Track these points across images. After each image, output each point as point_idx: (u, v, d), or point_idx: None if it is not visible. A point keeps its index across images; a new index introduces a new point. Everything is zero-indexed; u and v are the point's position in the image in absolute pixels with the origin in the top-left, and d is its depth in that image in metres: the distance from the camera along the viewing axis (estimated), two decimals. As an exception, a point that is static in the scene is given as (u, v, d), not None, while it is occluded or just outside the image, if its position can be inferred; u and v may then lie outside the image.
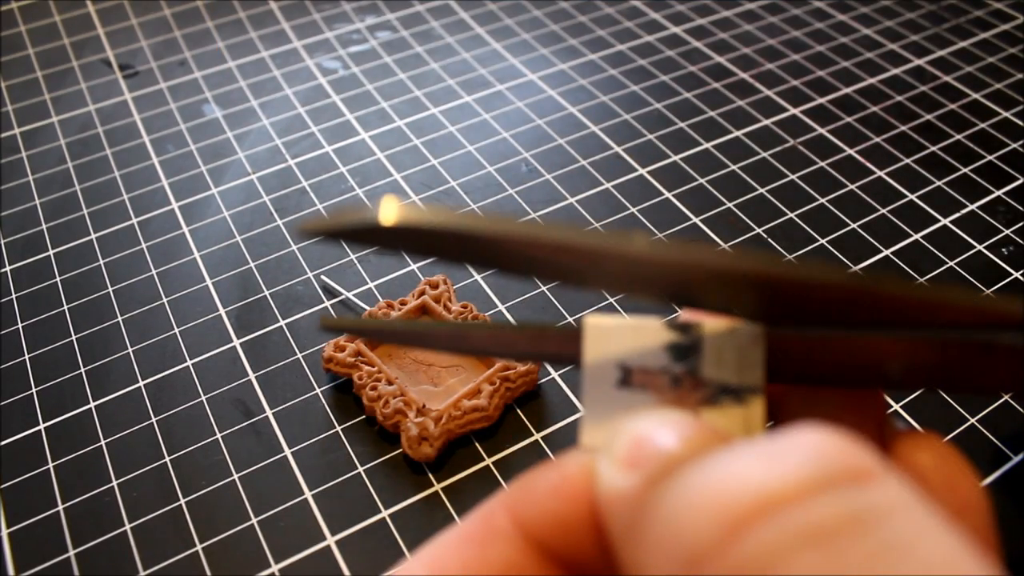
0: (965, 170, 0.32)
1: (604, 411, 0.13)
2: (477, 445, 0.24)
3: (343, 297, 0.28)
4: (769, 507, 0.10)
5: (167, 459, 0.24)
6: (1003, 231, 0.30)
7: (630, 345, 0.13)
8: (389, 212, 0.11)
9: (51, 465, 0.24)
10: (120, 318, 0.28)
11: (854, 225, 0.30)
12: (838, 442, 0.10)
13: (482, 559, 0.12)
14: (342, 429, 0.25)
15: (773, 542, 0.09)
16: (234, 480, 0.23)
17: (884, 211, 0.31)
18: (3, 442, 0.25)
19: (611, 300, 0.28)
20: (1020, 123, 0.34)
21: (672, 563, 0.10)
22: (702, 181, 0.32)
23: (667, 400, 0.13)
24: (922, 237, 0.30)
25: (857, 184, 0.32)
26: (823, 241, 0.30)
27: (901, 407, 0.25)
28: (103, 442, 0.24)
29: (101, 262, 0.30)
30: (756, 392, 0.13)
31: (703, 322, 0.14)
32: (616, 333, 0.13)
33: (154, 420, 0.25)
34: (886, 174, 0.32)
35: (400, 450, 0.24)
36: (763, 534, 0.09)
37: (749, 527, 0.10)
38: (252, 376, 0.26)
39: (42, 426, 0.25)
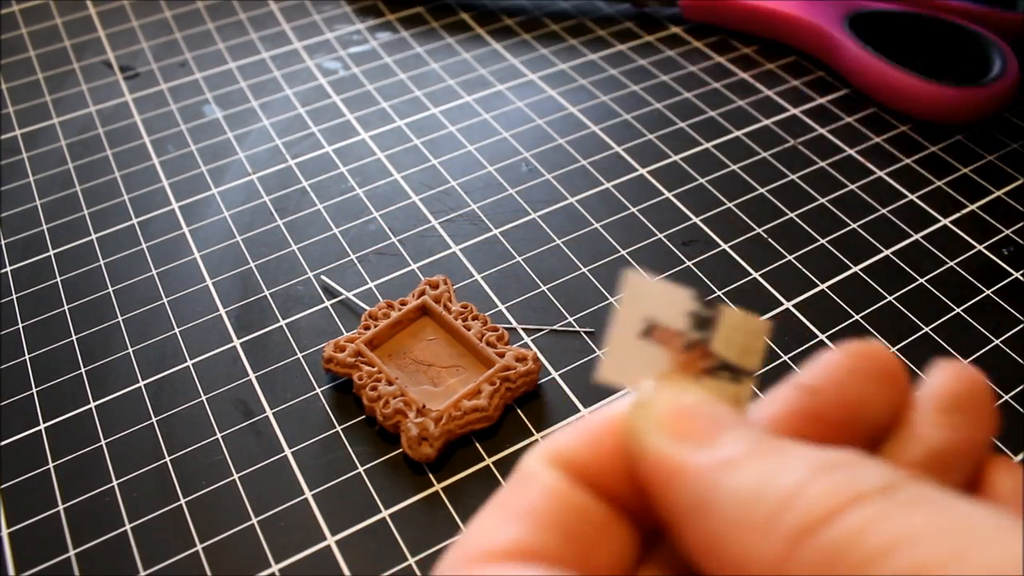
0: (965, 170, 0.32)
1: (623, 355, 0.15)
2: (477, 445, 0.24)
3: (343, 297, 0.28)
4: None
5: (167, 459, 0.24)
6: (1003, 231, 0.30)
7: (659, 305, 0.15)
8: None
9: (51, 465, 0.24)
10: (120, 318, 0.28)
11: (854, 225, 0.30)
12: None
13: (531, 496, 0.13)
14: (342, 429, 0.25)
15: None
16: (234, 480, 0.23)
17: (884, 211, 0.31)
18: (3, 442, 0.25)
19: (612, 300, 0.28)
20: (1020, 123, 0.34)
21: (774, 537, 0.11)
22: (702, 181, 0.32)
23: (677, 360, 0.15)
24: (922, 237, 0.30)
25: (857, 184, 0.32)
26: (823, 241, 0.30)
27: (901, 407, 0.25)
28: (103, 442, 0.24)
29: (101, 262, 0.30)
30: (750, 376, 0.15)
31: (725, 306, 0.15)
32: (651, 291, 0.15)
33: (154, 420, 0.25)
34: (886, 174, 0.32)
35: (400, 450, 0.24)
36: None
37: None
38: (252, 376, 0.26)
39: (42, 426, 0.25)
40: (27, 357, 0.27)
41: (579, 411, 0.25)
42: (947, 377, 0.14)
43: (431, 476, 0.23)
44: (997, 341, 0.26)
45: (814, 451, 0.12)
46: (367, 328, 0.26)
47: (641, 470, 0.13)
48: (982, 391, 0.14)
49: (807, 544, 0.11)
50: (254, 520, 0.23)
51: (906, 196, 0.31)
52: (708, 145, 0.34)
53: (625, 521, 0.14)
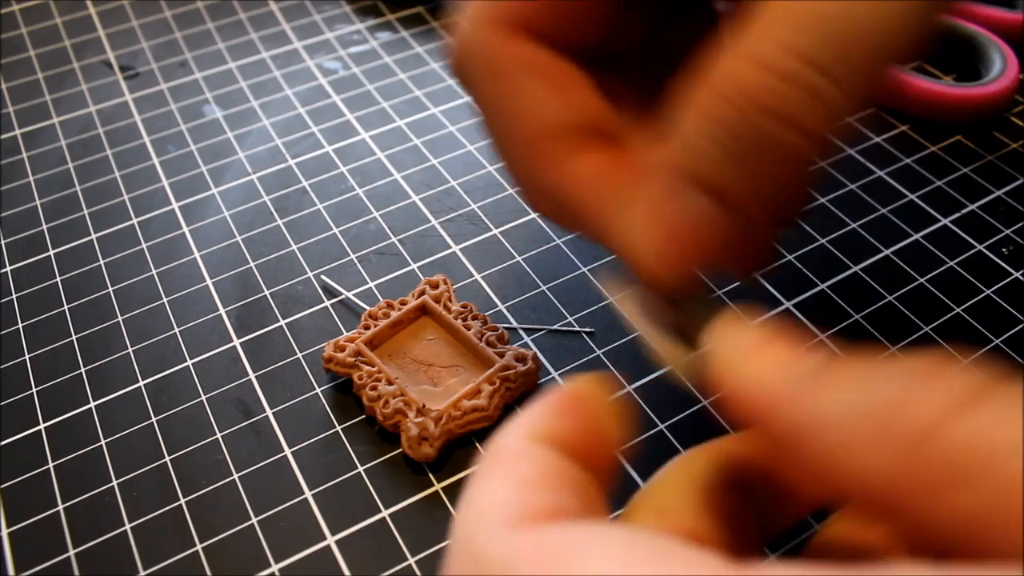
0: (965, 170, 0.32)
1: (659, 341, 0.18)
2: (477, 445, 0.24)
3: (343, 297, 0.28)
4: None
5: (167, 459, 0.24)
6: (1003, 231, 0.30)
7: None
8: None
9: (51, 465, 0.24)
10: (120, 318, 0.28)
11: (854, 225, 0.30)
12: None
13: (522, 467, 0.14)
14: (342, 429, 0.25)
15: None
16: (234, 480, 0.23)
17: (884, 211, 0.31)
18: (3, 442, 0.25)
19: (612, 301, 0.28)
20: (1020, 123, 0.34)
21: (888, 450, 0.11)
22: (702, 181, 0.32)
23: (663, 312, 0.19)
24: (922, 237, 0.30)
25: (857, 184, 0.32)
26: (823, 241, 0.30)
27: (901, 407, 0.24)
28: (103, 442, 0.24)
29: (101, 262, 0.30)
30: (699, 346, 0.18)
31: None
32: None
33: (154, 420, 0.25)
34: (886, 174, 0.32)
35: (400, 450, 0.24)
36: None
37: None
38: (252, 376, 0.26)
39: (42, 426, 0.25)
40: (27, 357, 0.27)
41: (579, 411, 0.25)
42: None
43: (431, 476, 0.23)
44: (997, 341, 0.26)
45: (901, 363, 0.12)
46: (367, 328, 0.26)
47: (744, 405, 0.14)
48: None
49: (920, 454, 0.11)
50: (254, 520, 0.23)
51: (906, 196, 0.31)
52: (708, 145, 0.34)
53: (602, 487, 0.15)
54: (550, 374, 0.26)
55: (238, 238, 0.31)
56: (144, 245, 0.30)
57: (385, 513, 0.23)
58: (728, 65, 0.16)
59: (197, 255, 0.30)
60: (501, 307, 0.28)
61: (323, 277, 0.29)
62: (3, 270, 0.30)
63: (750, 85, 0.15)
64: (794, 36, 0.15)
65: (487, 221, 0.31)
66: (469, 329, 0.26)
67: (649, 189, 0.17)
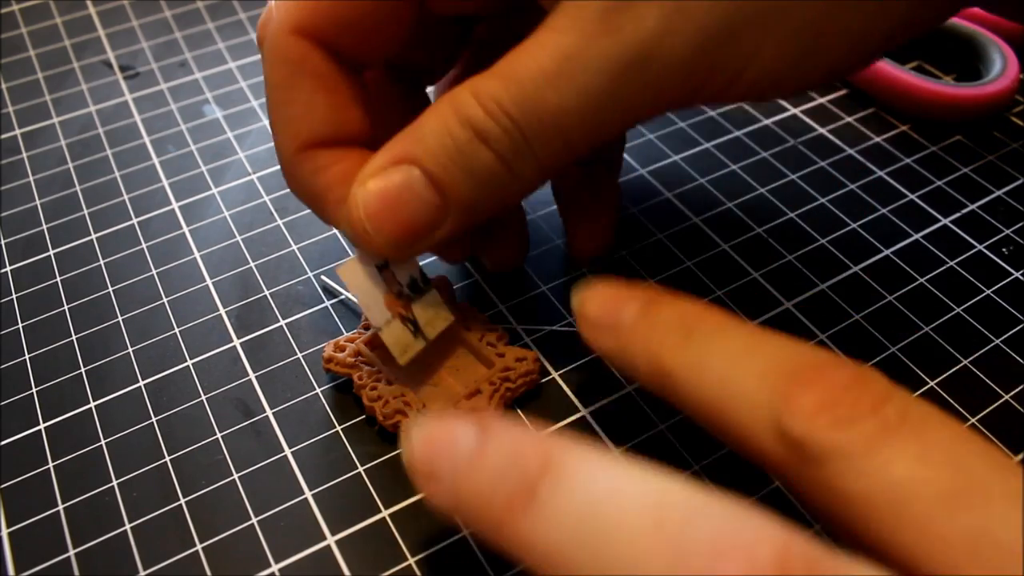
0: (965, 170, 0.32)
1: (359, 269, 0.23)
2: (477, 445, 0.24)
3: (343, 297, 0.28)
4: None
5: (167, 459, 0.24)
6: (1003, 231, 0.30)
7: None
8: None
9: (51, 465, 0.24)
10: (120, 318, 0.28)
11: (854, 225, 0.30)
12: None
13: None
14: (342, 429, 0.25)
15: None
16: (234, 480, 0.23)
17: (884, 211, 0.31)
18: (3, 442, 0.25)
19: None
20: (1020, 123, 0.34)
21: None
22: (702, 181, 0.32)
23: (387, 295, 0.23)
24: (922, 237, 0.30)
25: (857, 184, 0.32)
26: (823, 241, 0.30)
27: (901, 407, 0.25)
28: (103, 442, 0.24)
29: (101, 262, 0.30)
30: (428, 339, 0.24)
31: (434, 288, 0.24)
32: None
33: (154, 420, 0.25)
34: (886, 174, 0.32)
35: (400, 450, 0.24)
36: None
37: None
38: (252, 376, 0.26)
39: (42, 426, 0.25)
40: (27, 357, 0.27)
41: (579, 411, 0.25)
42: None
43: (431, 476, 0.23)
44: (997, 341, 0.26)
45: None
46: (367, 328, 0.26)
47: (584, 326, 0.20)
48: None
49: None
50: (254, 520, 0.23)
51: (906, 196, 0.31)
52: (708, 145, 0.34)
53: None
54: (550, 374, 0.26)
55: (238, 238, 0.31)
56: (144, 245, 0.30)
57: (385, 513, 0.23)
58: (461, 92, 0.19)
59: (197, 255, 0.30)
60: (501, 307, 0.28)
61: (323, 277, 0.29)
62: (3, 270, 0.30)
63: (470, 113, 0.19)
64: (503, 88, 0.19)
65: (487, 221, 0.31)
66: (469, 329, 0.26)
67: (379, 160, 0.20)
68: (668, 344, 0.18)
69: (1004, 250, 0.29)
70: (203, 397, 0.26)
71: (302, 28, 0.21)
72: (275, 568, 0.22)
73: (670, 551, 0.13)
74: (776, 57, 0.18)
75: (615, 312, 0.20)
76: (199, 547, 0.22)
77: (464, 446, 0.17)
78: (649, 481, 0.15)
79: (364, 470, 0.24)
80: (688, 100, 0.19)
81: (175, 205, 0.32)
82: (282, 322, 0.28)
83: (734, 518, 0.14)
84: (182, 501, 0.23)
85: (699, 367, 0.17)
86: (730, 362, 0.17)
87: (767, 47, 0.18)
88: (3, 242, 0.31)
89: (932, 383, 0.25)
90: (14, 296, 0.29)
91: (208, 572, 0.22)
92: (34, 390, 0.26)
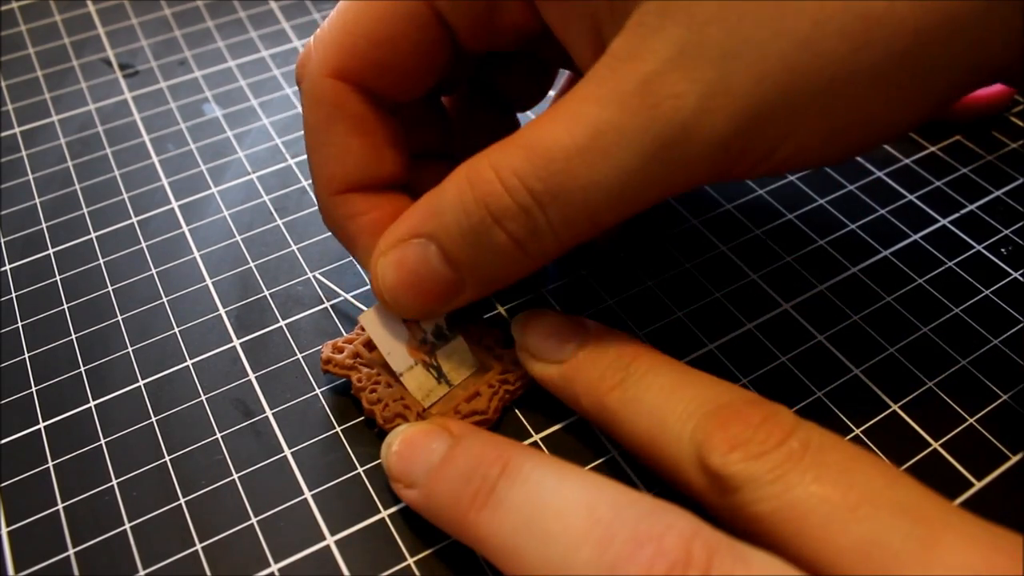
0: (964, 170, 0.32)
1: (385, 318, 0.23)
2: (476, 445, 0.24)
3: (342, 298, 0.28)
4: None
5: (167, 459, 0.24)
6: (1002, 231, 0.30)
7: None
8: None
9: (51, 464, 0.24)
10: (120, 317, 0.28)
11: (853, 226, 0.30)
12: None
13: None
14: (342, 430, 0.25)
15: None
16: (234, 480, 0.23)
17: (883, 211, 0.31)
18: (2, 441, 0.25)
19: (611, 303, 0.28)
20: (1020, 123, 0.34)
21: None
22: (701, 181, 0.32)
23: (410, 343, 0.24)
24: (921, 238, 0.30)
25: (856, 185, 0.32)
26: (822, 242, 0.30)
27: (900, 407, 0.25)
28: (103, 441, 0.25)
29: (101, 261, 0.30)
30: (451, 385, 0.24)
31: (462, 336, 0.24)
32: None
33: (154, 420, 0.25)
34: (885, 174, 0.32)
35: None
36: None
37: None
38: (252, 376, 0.26)
39: (42, 425, 0.25)
40: (26, 356, 0.27)
41: (576, 413, 0.25)
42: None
43: (430, 476, 0.23)
44: (996, 341, 0.26)
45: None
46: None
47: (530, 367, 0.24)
48: None
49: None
50: (254, 520, 0.23)
51: (905, 196, 0.31)
52: (708, 145, 0.34)
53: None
54: (549, 374, 0.26)
55: (238, 238, 0.31)
56: (144, 244, 0.30)
57: (384, 514, 0.23)
58: (480, 163, 0.19)
59: (197, 255, 0.30)
60: (500, 309, 0.28)
61: (323, 279, 0.29)
62: (2, 268, 0.30)
63: (487, 190, 0.19)
64: (527, 160, 0.18)
65: (487, 221, 0.31)
66: (468, 332, 0.26)
67: (398, 231, 0.21)
68: (607, 382, 0.20)
69: (1003, 250, 0.29)
70: (203, 397, 0.26)
71: (340, 71, 0.21)
72: (275, 568, 0.22)
73: (598, 539, 0.16)
74: (807, 139, 0.18)
75: (558, 348, 0.22)
76: (199, 547, 0.22)
77: (436, 453, 0.20)
78: (588, 481, 0.18)
79: (364, 471, 0.24)
80: (717, 178, 0.19)
81: (175, 204, 0.32)
82: (282, 322, 0.28)
83: (653, 512, 0.17)
84: (182, 501, 0.23)
85: (634, 404, 0.20)
86: (661, 401, 0.19)
87: (800, 131, 0.17)
88: (2, 241, 0.31)
89: (931, 384, 0.25)
90: (13, 295, 0.29)
91: (208, 572, 0.22)
92: (33, 389, 0.26)
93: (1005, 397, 0.25)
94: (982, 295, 0.28)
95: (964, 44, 0.16)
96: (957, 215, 0.31)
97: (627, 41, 0.17)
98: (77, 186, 0.33)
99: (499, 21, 0.21)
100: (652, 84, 0.17)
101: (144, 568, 0.22)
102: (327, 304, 0.28)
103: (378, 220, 0.22)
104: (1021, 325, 0.27)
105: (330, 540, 0.22)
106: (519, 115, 0.29)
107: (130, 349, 0.27)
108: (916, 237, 0.30)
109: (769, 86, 0.16)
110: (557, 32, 0.20)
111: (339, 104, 0.21)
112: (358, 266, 0.29)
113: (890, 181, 0.32)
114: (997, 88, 0.34)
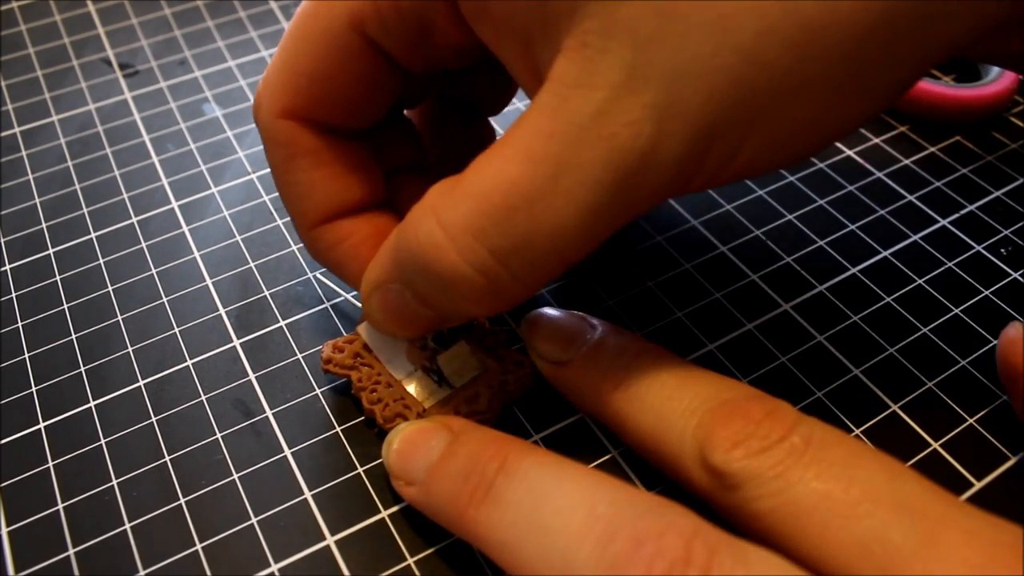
0: (964, 171, 0.32)
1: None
2: (476, 445, 0.24)
3: (343, 298, 0.28)
4: None
5: (167, 459, 0.24)
6: (1002, 231, 0.30)
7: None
8: None
9: (51, 464, 0.24)
10: (120, 317, 0.28)
11: (852, 227, 0.30)
12: None
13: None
14: (342, 430, 0.25)
15: None
16: (234, 480, 0.23)
17: (883, 212, 0.31)
18: (2, 440, 0.25)
19: (611, 303, 0.28)
20: (1020, 123, 0.34)
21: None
22: (701, 181, 0.32)
23: (411, 348, 0.24)
24: (920, 238, 0.30)
25: (856, 185, 0.32)
26: (821, 243, 0.30)
27: (900, 407, 0.25)
28: (103, 441, 0.25)
29: (101, 261, 0.30)
30: (450, 388, 0.24)
31: (463, 340, 0.24)
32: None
33: (154, 420, 0.25)
34: (885, 175, 0.32)
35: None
36: None
37: None
38: (252, 376, 0.26)
39: (41, 425, 0.25)
40: (26, 356, 0.27)
41: (576, 413, 0.25)
42: None
43: (430, 476, 0.23)
44: (996, 342, 0.26)
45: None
46: (366, 328, 0.26)
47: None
48: None
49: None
50: (254, 520, 0.23)
51: (905, 197, 0.31)
52: (707, 145, 0.34)
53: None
54: (549, 375, 0.26)
55: (238, 238, 0.31)
56: (144, 244, 0.30)
57: (384, 513, 0.23)
58: (426, 222, 0.18)
59: (197, 255, 0.30)
60: (500, 307, 0.28)
61: (323, 279, 0.29)
62: (2, 268, 0.30)
63: (435, 257, 0.18)
64: (479, 217, 0.17)
65: (487, 221, 0.31)
66: (470, 333, 0.26)
67: (372, 276, 0.21)
68: (611, 381, 0.21)
69: (1003, 251, 0.29)
70: (203, 397, 0.26)
71: (289, 111, 0.21)
72: (275, 568, 0.22)
73: (598, 536, 0.16)
74: (760, 147, 0.17)
75: (564, 348, 0.22)
76: (199, 547, 0.22)
77: (436, 451, 0.20)
78: (587, 478, 0.18)
79: (364, 471, 0.24)
80: (679, 191, 0.18)
81: (175, 204, 0.32)
82: (282, 322, 0.28)
83: (652, 510, 0.16)
84: (182, 501, 0.23)
85: (637, 402, 0.20)
86: (663, 398, 0.19)
87: (752, 140, 0.17)
88: (2, 240, 0.31)
89: (930, 384, 0.25)
90: (14, 295, 0.29)
91: (208, 572, 0.22)
92: (34, 389, 0.26)
93: (1005, 397, 0.25)
94: (982, 295, 0.28)
95: (907, 43, 0.16)
96: (957, 215, 0.31)
97: (573, 64, 0.16)
98: (77, 186, 0.33)
99: (435, 43, 0.20)
100: (607, 114, 0.16)
101: (144, 568, 0.22)
102: (327, 304, 0.28)
103: (359, 244, 0.22)
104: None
105: (330, 540, 0.22)
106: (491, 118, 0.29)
107: (130, 349, 0.27)
108: (916, 238, 0.30)
109: (719, 102, 0.16)
110: (494, 51, 0.19)
111: (294, 142, 0.21)
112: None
113: (890, 182, 0.32)
114: (997, 88, 0.34)
